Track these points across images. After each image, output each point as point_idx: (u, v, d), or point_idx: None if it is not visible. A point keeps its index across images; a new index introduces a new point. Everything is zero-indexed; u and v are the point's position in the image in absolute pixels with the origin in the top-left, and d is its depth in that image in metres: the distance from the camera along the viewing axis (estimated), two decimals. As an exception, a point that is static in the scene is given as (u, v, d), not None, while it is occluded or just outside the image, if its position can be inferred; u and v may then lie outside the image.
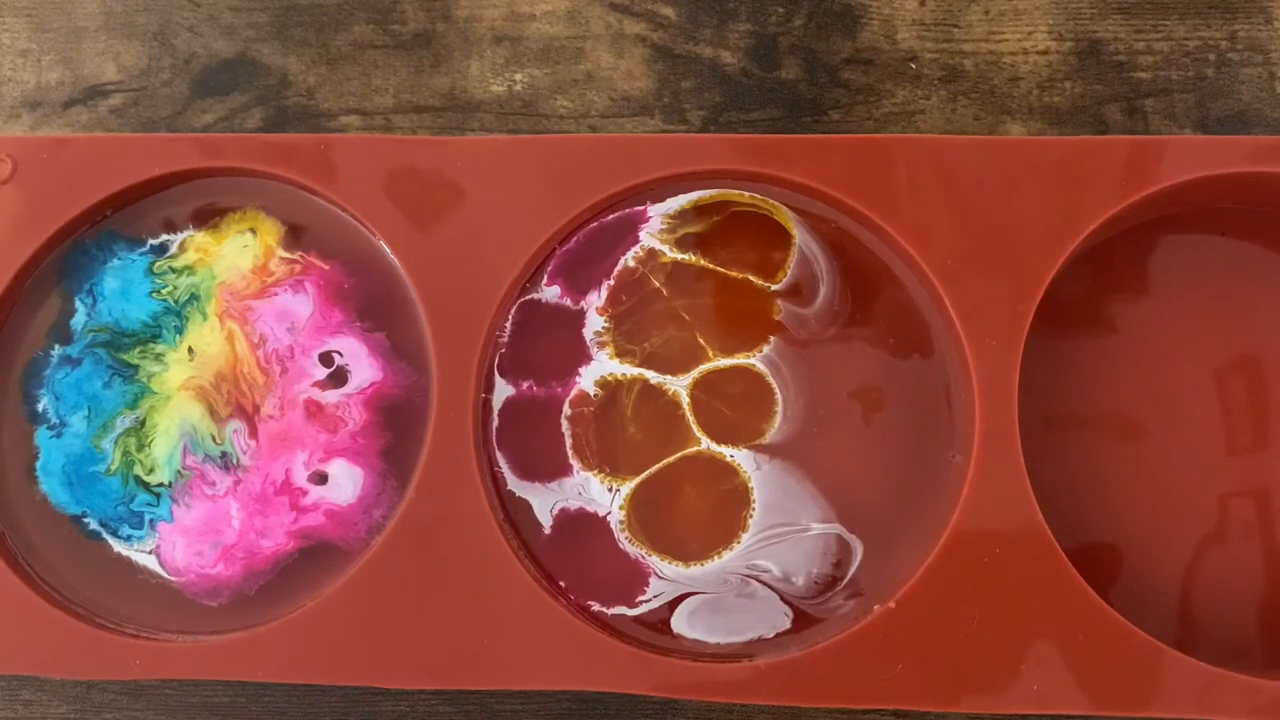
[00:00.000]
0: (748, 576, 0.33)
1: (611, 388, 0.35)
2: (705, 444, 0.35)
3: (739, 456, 0.34)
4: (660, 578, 0.34)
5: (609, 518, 0.34)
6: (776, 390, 0.35)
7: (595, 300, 0.36)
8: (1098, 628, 0.31)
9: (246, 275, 0.36)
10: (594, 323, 0.36)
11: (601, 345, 0.35)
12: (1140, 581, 0.34)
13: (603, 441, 0.35)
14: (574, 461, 0.35)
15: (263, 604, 0.34)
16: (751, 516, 0.34)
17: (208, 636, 0.33)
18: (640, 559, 0.34)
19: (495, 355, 0.35)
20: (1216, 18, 0.39)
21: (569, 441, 0.35)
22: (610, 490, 0.34)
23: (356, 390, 0.35)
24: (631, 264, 0.36)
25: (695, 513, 0.34)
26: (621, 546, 0.34)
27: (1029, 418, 0.32)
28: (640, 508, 0.34)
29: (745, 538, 0.34)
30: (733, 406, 0.35)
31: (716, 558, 0.34)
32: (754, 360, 0.35)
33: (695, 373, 0.35)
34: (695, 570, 0.34)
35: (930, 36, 0.40)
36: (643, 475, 0.34)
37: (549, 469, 0.35)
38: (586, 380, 0.35)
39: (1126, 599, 0.33)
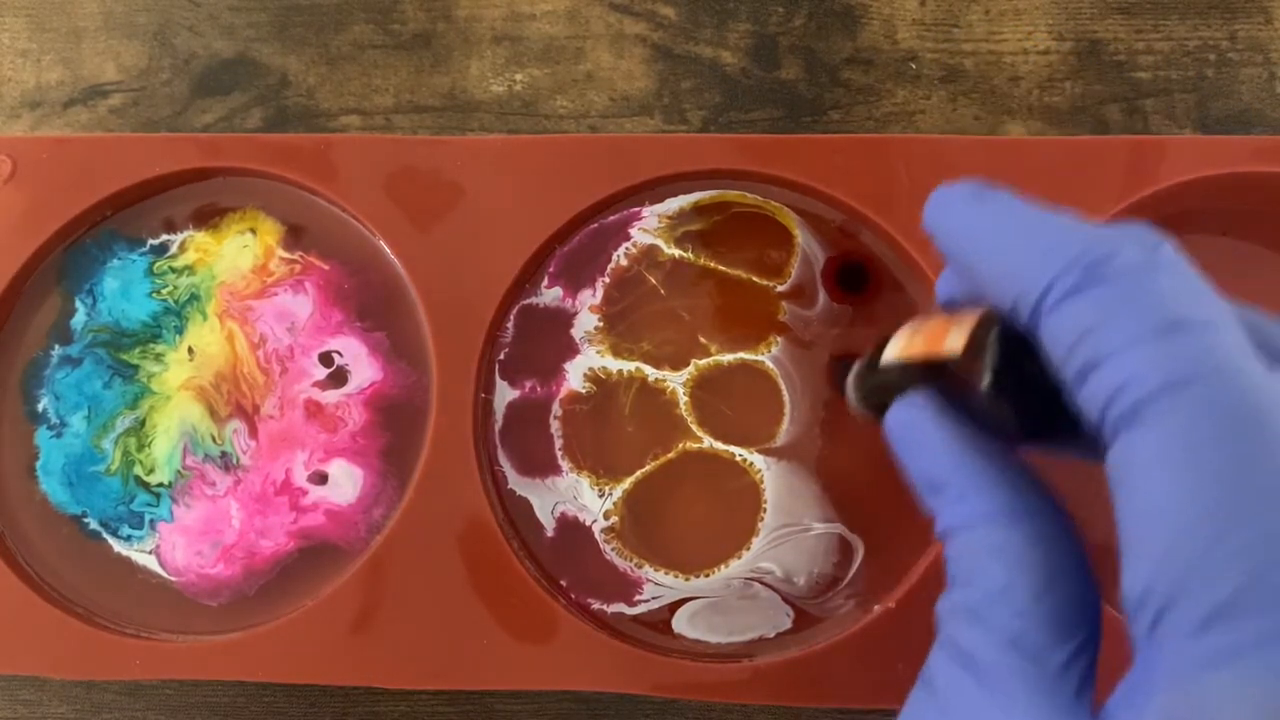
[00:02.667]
0: (750, 579, 0.33)
1: (607, 385, 0.35)
2: (708, 443, 0.34)
3: (749, 458, 0.34)
4: (657, 585, 0.33)
5: (594, 525, 0.34)
6: (785, 391, 0.35)
7: (590, 299, 0.36)
8: (1098, 628, 0.31)
9: (246, 275, 0.36)
10: (587, 321, 0.35)
11: (595, 343, 0.35)
12: (1140, 581, 0.34)
13: (597, 442, 0.35)
14: (564, 463, 0.34)
15: (263, 604, 0.34)
16: (762, 520, 0.34)
17: (208, 636, 0.33)
18: (630, 571, 0.34)
19: (496, 355, 0.35)
20: (1216, 18, 0.39)
21: (559, 443, 0.35)
22: (602, 495, 0.34)
23: (356, 390, 0.35)
24: (625, 261, 0.36)
25: (698, 517, 0.34)
26: (608, 558, 0.34)
27: (1029, 417, 0.32)
28: (637, 511, 0.34)
29: (756, 543, 0.33)
30: (737, 407, 0.35)
31: (723, 567, 0.33)
32: (764, 358, 0.35)
33: (695, 370, 0.35)
34: (697, 582, 0.33)
35: (930, 36, 0.40)
36: (637, 474, 0.34)
37: (545, 470, 0.35)
38: (574, 376, 0.35)
39: (1127, 599, 0.33)
